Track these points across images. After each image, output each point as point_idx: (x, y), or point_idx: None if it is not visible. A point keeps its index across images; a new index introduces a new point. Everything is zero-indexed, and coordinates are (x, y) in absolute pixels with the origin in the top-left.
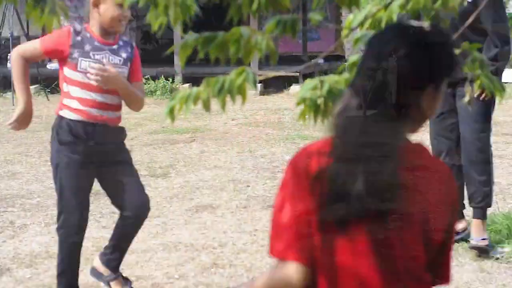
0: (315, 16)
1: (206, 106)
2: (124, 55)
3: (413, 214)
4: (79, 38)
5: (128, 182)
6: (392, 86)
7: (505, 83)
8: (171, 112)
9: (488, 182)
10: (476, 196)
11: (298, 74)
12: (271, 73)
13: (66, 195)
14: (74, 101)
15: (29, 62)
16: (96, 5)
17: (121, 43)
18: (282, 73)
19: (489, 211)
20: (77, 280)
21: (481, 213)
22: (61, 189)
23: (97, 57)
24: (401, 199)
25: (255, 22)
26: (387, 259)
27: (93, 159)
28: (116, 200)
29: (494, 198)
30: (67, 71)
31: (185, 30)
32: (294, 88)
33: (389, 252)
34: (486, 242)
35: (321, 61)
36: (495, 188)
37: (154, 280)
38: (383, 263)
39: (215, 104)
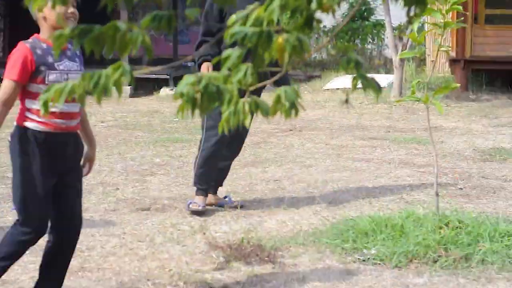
0: (191, 12)
1: (81, 100)
2: (77, 59)
3: None
4: (39, 51)
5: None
6: None
7: None
8: (45, 105)
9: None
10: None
11: (168, 77)
12: (144, 70)
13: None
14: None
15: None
16: (41, 9)
17: (69, 46)
18: (156, 68)
19: (356, 213)
20: None
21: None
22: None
23: (61, 67)
24: None
25: (125, 14)
26: None
27: (57, 167)
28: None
29: (360, 201)
30: (32, 86)
31: None
32: (164, 91)
33: None
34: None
35: (191, 64)
36: (362, 192)
37: (20, 285)
38: None
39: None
